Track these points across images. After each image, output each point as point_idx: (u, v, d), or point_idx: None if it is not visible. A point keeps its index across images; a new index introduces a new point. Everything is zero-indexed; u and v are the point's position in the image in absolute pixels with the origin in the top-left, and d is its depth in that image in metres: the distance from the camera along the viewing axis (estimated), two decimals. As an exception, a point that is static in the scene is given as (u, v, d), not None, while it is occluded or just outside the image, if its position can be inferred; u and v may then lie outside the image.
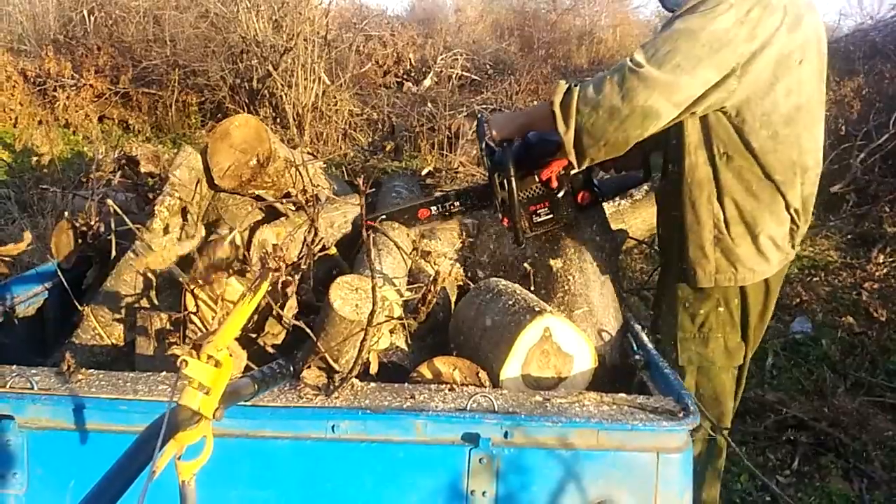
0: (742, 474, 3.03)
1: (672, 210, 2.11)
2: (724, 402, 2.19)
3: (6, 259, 2.18)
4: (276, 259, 1.58)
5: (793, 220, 2.05)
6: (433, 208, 2.44)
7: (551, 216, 2.21)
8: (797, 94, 1.93)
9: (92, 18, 8.82)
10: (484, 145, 2.19)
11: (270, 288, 1.68)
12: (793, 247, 2.11)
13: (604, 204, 2.48)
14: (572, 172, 2.16)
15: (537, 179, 2.18)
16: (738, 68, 1.84)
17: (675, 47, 1.82)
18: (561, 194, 2.18)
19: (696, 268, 2.07)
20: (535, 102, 8.99)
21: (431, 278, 1.94)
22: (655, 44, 1.87)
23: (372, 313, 1.54)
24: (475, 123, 2.37)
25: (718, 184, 2.00)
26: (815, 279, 4.95)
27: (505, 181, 2.12)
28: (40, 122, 7.62)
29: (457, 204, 2.43)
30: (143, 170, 2.98)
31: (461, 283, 2.20)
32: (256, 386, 1.27)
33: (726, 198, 2.00)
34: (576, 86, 1.93)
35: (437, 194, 2.55)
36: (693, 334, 2.14)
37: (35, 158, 6.23)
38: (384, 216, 2.41)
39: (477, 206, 2.43)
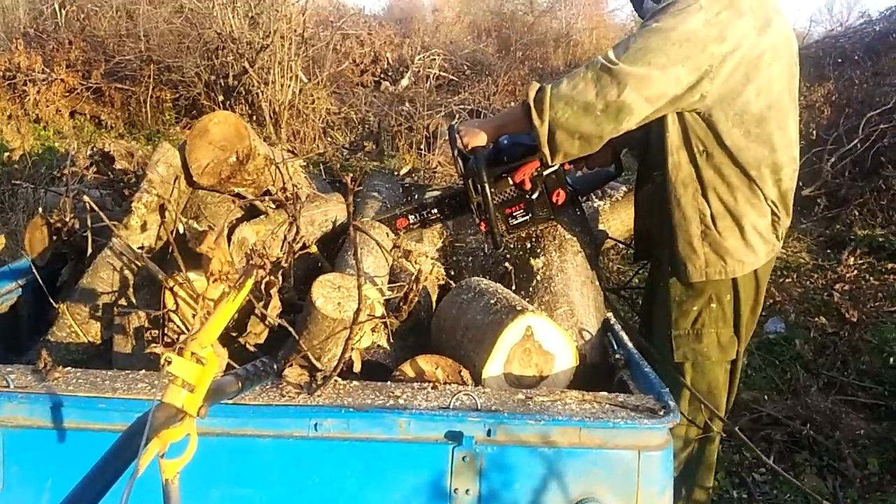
0: (718, 472, 3.07)
1: (659, 210, 2.14)
2: (717, 397, 2.23)
3: None
4: (260, 257, 1.56)
5: (773, 213, 2.10)
6: (411, 217, 2.44)
7: (527, 217, 2.22)
8: (767, 93, 1.98)
9: (63, 12, 8.69)
10: (456, 152, 2.19)
11: (253, 286, 1.66)
12: (777, 238, 2.15)
13: (583, 204, 2.50)
14: (545, 172, 2.17)
15: (511, 182, 2.19)
16: (711, 70, 1.87)
17: (647, 45, 1.87)
18: (535, 195, 2.19)
19: (687, 263, 2.10)
20: (513, 104, 9.02)
21: (413, 277, 1.93)
22: (628, 42, 1.91)
23: (357, 312, 1.53)
24: (447, 131, 2.35)
25: (701, 181, 2.04)
26: (787, 280, 5.03)
27: (478, 186, 2.14)
28: (10, 117, 7.48)
29: (434, 211, 2.43)
30: (117, 166, 2.93)
31: (443, 282, 2.20)
32: (240, 384, 1.26)
33: (710, 193, 2.05)
34: (548, 83, 1.95)
35: (415, 203, 2.54)
36: (687, 331, 2.17)
37: (6, 154, 6.12)
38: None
39: (455, 212, 2.43)
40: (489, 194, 2.14)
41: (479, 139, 2.16)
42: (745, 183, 2.04)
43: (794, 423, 3.38)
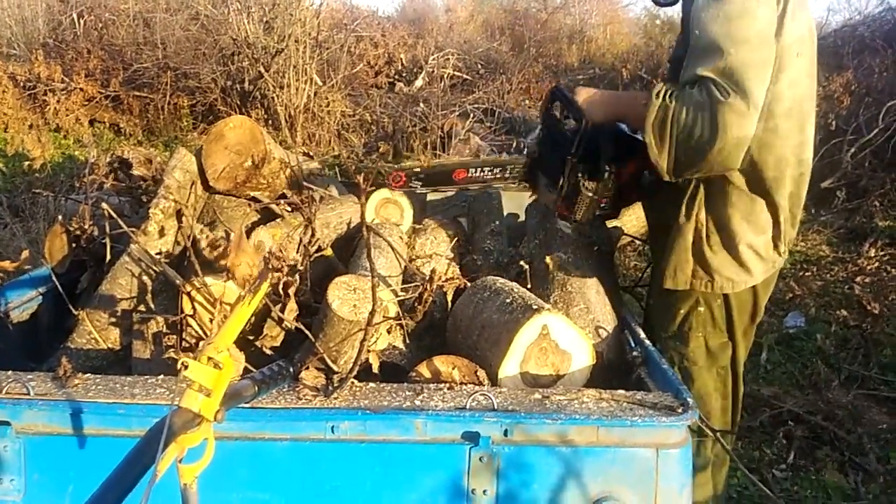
0: (738, 469, 3.04)
1: (659, 212, 2.10)
2: (707, 402, 2.16)
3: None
4: (278, 259, 1.57)
5: (775, 226, 2.01)
6: (471, 170, 2.34)
7: (608, 211, 2.13)
8: (796, 86, 1.90)
9: (81, 22, 8.79)
10: (556, 117, 2.05)
11: (270, 289, 1.67)
12: (780, 253, 2.07)
13: None
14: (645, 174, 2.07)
15: (611, 172, 2.04)
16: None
17: (743, 61, 1.75)
18: (623, 192, 2.11)
19: (677, 269, 2.05)
20: (527, 102, 9.01)
21: (427, 277, 1.93)
22: (722, 58, 1.76)
23: (371, 313, 1.54)
24: (551, 92, 2.08)
25: (699, 191, 1.98)
26: (807, 274, 4.97)
27: (589, 169, 1.99)
28: (31, 127, 7.59)
29: (496, 172, 2.33)
30: (135, 173, 2.97)
31: (458, 282, 2.20)
32: (257, 388, 1.27)
33: (706, 206, 1.98)
34: (669, 98, 1.82)
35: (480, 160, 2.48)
36: (674, 333, 2.13)
37: (26, 163, 6.20)
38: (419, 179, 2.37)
39: (519, 179, 2.31)
40: (598, 183, 2.01)
41: (603, 118, 2.01)
42: (743, 198, 1.96)
43: (816, 418, 3.34)
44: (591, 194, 2.03)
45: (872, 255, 5.10)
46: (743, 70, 1.75)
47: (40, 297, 2.21)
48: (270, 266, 1.37)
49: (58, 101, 7.82)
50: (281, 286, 1.71)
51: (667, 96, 1.81)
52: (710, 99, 1.75)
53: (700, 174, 1.89)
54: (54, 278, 2.13)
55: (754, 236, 2.00)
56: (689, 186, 1.99)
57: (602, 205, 2.09)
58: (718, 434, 2.02)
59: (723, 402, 2.21)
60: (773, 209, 1.99)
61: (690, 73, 1.80)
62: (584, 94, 2.06)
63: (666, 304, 2.14)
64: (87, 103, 8.04)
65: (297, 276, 1.77)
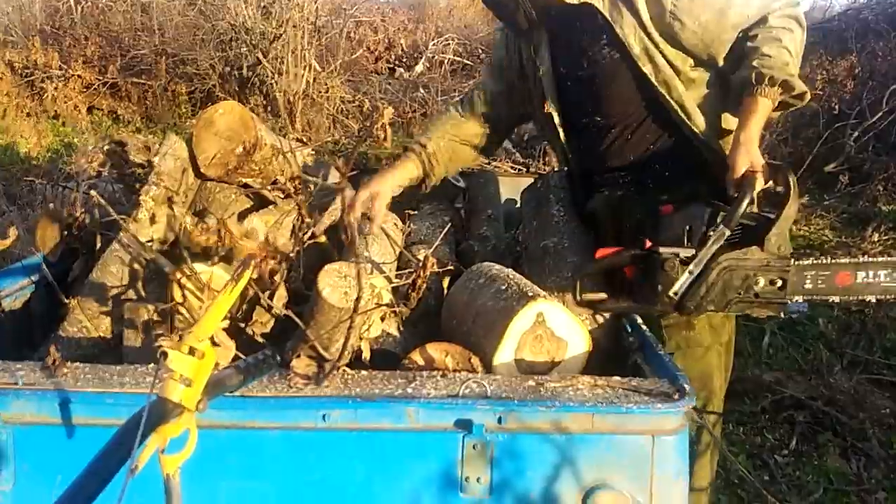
0: (740, 454, 3.03)
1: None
2: (711, 382, 2.15)
3: None
4: (264, 246, 1.54)
5: None
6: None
7: None
8: None
9: (79, 8, 8.74)
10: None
11: (257, 277, 1.65)
12: None
13: None
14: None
15: None
16: None
17: None
18: None
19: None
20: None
21: (421, 263, 1.91)
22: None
23: (357, 299, 1.51)
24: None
25: None
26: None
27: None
28: (29, 114, 7.56)
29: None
30: (133, 159, 2.94)
31: (453, 268, 2.17)
32: (241, 376, 1.25)
33: None
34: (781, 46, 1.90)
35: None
36: (676, 319, 2.09)
37: (24, 150, 6.17)
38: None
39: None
40: None
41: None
42: None
43: (818, 403, 3.32)
44: None
45: (876, 239, 5.06)
46: None
47: (32, 286, 2.19)
48: (252, 253, 1.35)
49: (55, 89, 7.79)
50: (267, 273, 1.68)
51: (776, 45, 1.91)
52: (790, 12, 1.96)
53: None
54: (44, 266, 2.11)
55: None
56: None
57: None
58: (710, 421, 1.99)
59: (721, 380, 2.20)
60: None
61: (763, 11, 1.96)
62: (750, 151, 1.84)
63: None
64: (84, 90, 8.01)
65: (284, 263, 1.75)
